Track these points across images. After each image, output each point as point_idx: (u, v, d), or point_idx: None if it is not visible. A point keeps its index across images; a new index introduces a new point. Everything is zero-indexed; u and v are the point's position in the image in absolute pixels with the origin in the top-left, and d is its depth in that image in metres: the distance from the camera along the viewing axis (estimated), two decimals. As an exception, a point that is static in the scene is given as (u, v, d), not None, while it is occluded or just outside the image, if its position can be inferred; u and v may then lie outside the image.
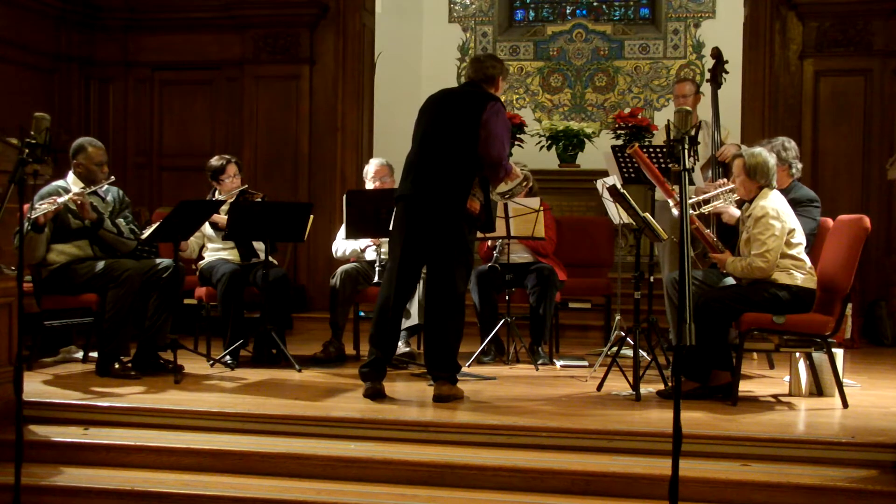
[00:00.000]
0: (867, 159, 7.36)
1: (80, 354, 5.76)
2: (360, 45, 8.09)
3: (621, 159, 5.69)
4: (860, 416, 4.40)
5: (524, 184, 5.56)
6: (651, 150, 5.44)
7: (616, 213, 5.62)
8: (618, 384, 4.91)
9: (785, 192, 4.99)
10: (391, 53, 9.44)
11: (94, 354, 5.33)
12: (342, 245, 6.01)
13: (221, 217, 5.72)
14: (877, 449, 3.82)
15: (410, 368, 5.53)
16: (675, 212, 5.09)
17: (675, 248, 5.82)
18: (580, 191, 8.87)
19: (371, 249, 5.82)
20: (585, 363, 5.77)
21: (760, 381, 5.37)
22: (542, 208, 5.72)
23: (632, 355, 4.88)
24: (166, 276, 5.15)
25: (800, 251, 4.68)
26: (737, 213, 4.91)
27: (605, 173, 5.95)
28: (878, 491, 3.62)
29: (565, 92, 10.97)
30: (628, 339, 5.07)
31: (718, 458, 3.84)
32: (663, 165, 5.24)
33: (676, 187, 4.64)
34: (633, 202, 4.78)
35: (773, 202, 4.66)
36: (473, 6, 11.19)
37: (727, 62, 6.31)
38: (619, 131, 9.17)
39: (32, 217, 4.86)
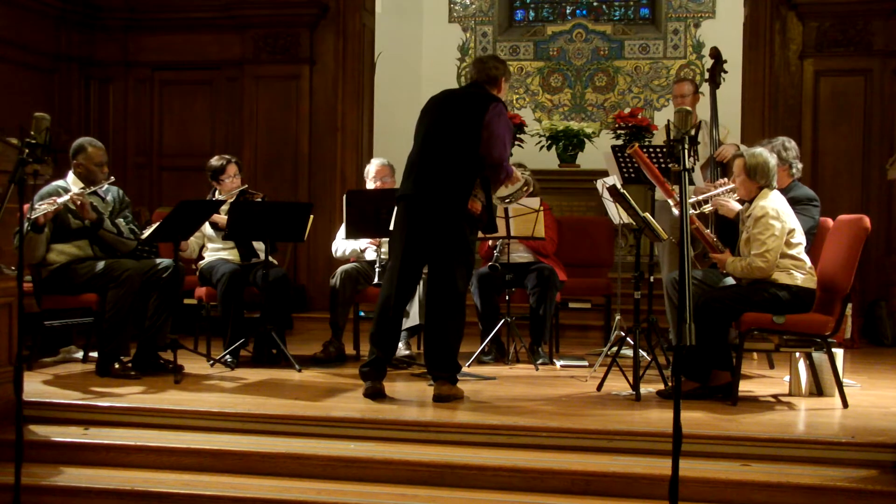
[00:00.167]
0: (867, 159, 7.36)
1: (80, 354, 5.75)
2: (360, 45, 8.10)
3: (621, 159, 5.69)
4: (860, 416, 4.40)
5: (525, 188, 5.55)
6: (651, 150, 5.44)
7: (616, 213, 5.62)
8: (618, 384, 4.91)
9: (784, 191, 4.99)
10: (391, 53, 9.45)
11: (94, 354, 5.33)
12: (342, 245, 6.01)
13: (221, 217, 5.72)
14: (877, 449, 3.82)
15: (410, 368, 5.54)
16: (676, 212, 5.09)
17: (675, 248, 5.81)
18: (580, 191, 8.86)
19: (371, 250, 5.82)
20: (585, 363, 5.77)
21: (760, 381, 5.37)
22: (542, 208, 5.73)
23: (632, 355, 4.88)
24: (166, 276, 5.14)
25: (800, 251, 4.68)
26: (737, 206, 4.88)
27: (605, 173, 5.95)
28: (878, 491, 3.62)
29: (565, 92, 10.97)
30: (628, 339, 5.07)
31: (718, 458, 3.84)
32: (663, 165, 5.24)
33: (676, 187, 4.63)
34: (633, 202, 4.78)
35: (773, 202, 4.66)
36: (473, 6, 11.18)
37: (726, 62, 6.32)
38: (619, 131, 9.16)
39: (32, 217, 4.86)
